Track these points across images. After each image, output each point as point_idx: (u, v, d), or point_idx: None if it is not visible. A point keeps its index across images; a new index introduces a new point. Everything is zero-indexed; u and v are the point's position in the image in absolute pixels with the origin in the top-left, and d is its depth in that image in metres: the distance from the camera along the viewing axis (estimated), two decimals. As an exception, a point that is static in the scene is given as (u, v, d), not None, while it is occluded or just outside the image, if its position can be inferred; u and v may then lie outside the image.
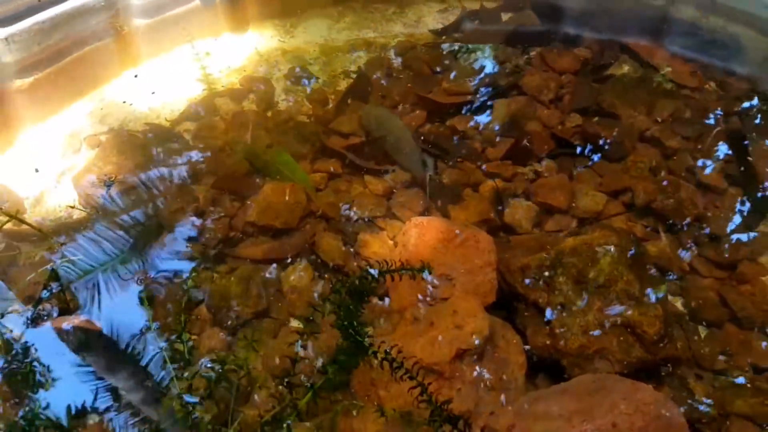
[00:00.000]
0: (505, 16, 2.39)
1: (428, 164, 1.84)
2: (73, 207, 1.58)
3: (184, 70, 2.01)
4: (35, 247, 1.50)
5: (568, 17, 2.41)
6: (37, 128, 1.77)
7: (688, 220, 1.75)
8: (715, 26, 2.30)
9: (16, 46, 1.62)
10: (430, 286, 1.48)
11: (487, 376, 1.34)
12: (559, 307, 1.45)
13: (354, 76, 2.11)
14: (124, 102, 1.89)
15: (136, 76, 1.96)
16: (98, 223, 1.56)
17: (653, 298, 1.46)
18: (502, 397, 1.32)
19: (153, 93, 1.93)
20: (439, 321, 1.38)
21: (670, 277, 1.65)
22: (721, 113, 2.07)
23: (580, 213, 1.77)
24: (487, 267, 1.51)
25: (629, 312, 1.41)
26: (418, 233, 1.56)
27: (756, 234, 1.76)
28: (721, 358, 1.51)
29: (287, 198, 1.69)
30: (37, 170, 1.67)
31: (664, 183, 1.81)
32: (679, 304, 1.61)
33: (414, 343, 1.34)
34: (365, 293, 1.24)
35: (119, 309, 1.41)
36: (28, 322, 1.34)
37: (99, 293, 1.43)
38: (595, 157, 1.91)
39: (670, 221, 1.75)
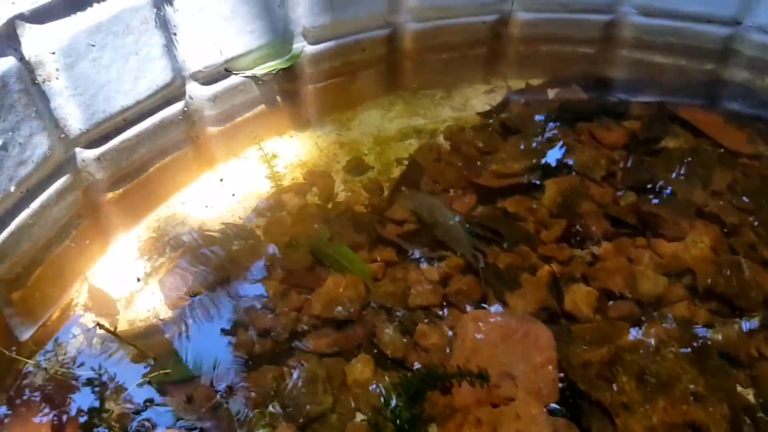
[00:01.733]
0: (551, 93, 2.48)
1: (481, 250, 1.92)
2: (159, 318, 1.76)
3: (253, 169, 2.19)
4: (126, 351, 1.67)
5: (615, 89, 2.49)
6: (127, 234, 1.96)
7: (753, 302, 1.73)
8: (770, 88, 2.32)
9: (106, 164, 1.83)
10: (493, 386, 1.52)
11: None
12: (622, 407, 1.45)
13: (406, 163, 2.23)
14: (202, 204, 2.07)
15: (211, 179, 2.15)
16: (178, 326, 1.73)
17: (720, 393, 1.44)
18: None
19: (227, 193, 2.10)
20: (502, 427, 1.41)
21: (739, 366, 1.61)
22: (782, 181, 2.06)
23: (642, 297, 1.76)
24: (548, 364, 1.53)
25: (695, 412, 1.41)
26: (475, 328, 1.62)
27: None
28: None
29: (348, 290, 1.80)
30: (138, 279, 1.85)
31: (726, 263, 1.81)
32: (750, 395, 1.55)
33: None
34: (424, 394, 1.30)
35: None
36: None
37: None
38: (653, 237, 1.92)
39: (735, 305, 1.73)
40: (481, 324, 1.62)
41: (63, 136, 1.69)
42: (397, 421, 1.25)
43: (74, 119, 1.69)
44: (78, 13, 1.60)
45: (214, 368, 1.64)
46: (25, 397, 1.60)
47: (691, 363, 1.48)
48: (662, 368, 1.46)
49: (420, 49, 2.39)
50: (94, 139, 1.78)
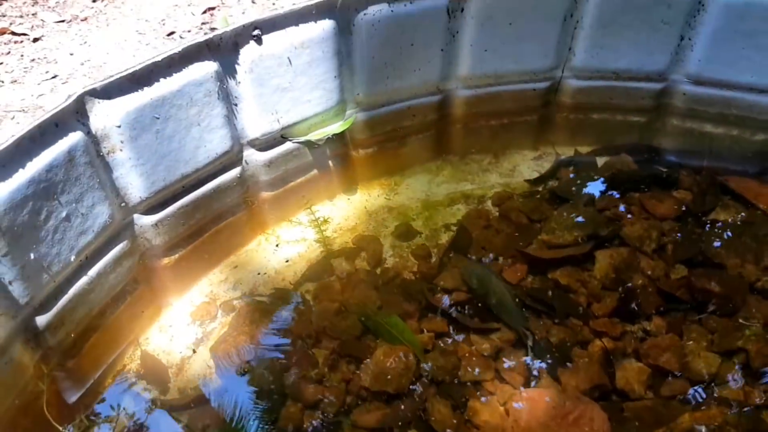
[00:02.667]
0: (600, 161, 2.47)
1: (532, 323, 1.89)
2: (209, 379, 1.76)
3: (304, 233, 2.21)
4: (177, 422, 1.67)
5: (665, 158, 2.47)
6: (180, 299, 1.98)
7: (811, 384, 1.70)
8: (822, 159, 2.28)
9: (164, 229, 1.86)
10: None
11: None
12: (681, 495, 1.42)
13: (454, 229, 2.23)
14: (253, 267, 2.09)
15: (263, 243, 2.17)
16: (227, 396, 1.73)
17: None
18: None
19: (278, 257, 2.12)
20: None
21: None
22: (837, 256, 2.01)
23: (694, 376, 1.72)
24: (602, 446, 1.52)
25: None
26: (529, 408, 1.60)
27: None
28: None
29: (398, 362, 1.79)
30: (194, 351, 1.86)
31: (781, 342, 1.77)
32: (810, 480, 1.53)
33: None
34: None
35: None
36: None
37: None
38: (705, 313, 1.88)
39: (790, 386, 1.70)
40: (534, 403, 1.59)
41: (123, 204, 1.73)
42: None
43: (135, 188, 1.73)
44: (145, 87, 1.64)
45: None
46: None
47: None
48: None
49: (469, 115, 2.41)
50: (152, 206, 1.81)
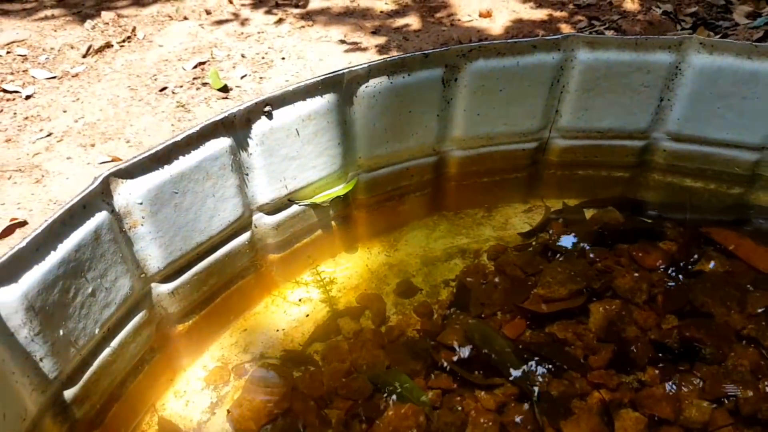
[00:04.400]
0: (588, 213, 2.61)
1: (532, 376, 1.99)
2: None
3: (310, 293, 2.29)
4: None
5: (649, 211, 2.61)
6: (193, 365, 2.04)
7: (798, 429, 1.81)
8: (797, 210, 2.44)
9: (179, 297, 1.93)
10: None
11: None
12: None
13: (453, 284, 2.33)
14: (263, 329, 2.16)
15: (272, 305, 2.24)
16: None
17: None
18: None
19: (286, 319, 2.19)
20: None
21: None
22: (816, 304, 2.15)
23: (688, 424, 1.83)
24: (608, 498, 1.60)
25: None
26: (536, 459, 1.69)
27: None
28: None
29: (408, 421, 1.86)
30: (210, 415, 1.90)
31: (766, 388, 1.89)
32: None
33: None
34: None
35: None
36: None
37: None
38: (695, 361, 2.00)
39: (780, 431, 1.81)
40: (543, 460, 1.67)
41: (143, 275, 1.80)
42: None
43: (153, 259, 1.80)
44: (165, 165, 1.73)
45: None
46: None
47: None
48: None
49: (463, 174, 2.54)
50: (169, 275, 1.89)
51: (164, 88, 3.24)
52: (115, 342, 1.75)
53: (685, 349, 2.04)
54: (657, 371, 1.98)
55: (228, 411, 1.90)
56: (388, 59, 2.09)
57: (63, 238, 1.52)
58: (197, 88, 3.25)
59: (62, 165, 2.72)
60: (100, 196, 1.62)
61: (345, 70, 2.03)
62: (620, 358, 2.02)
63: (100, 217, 1.61)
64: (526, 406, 1.92)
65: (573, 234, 2.50)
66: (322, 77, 1.98)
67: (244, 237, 2.07)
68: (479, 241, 2.52)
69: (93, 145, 2.85)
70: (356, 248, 2.46)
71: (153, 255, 1.80)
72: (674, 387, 1.94)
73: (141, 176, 1.69)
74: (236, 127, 1.87)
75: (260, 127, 1.93)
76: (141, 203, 1.70)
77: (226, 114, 1.82)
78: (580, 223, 2.55)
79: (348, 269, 2.39)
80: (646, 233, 2.47)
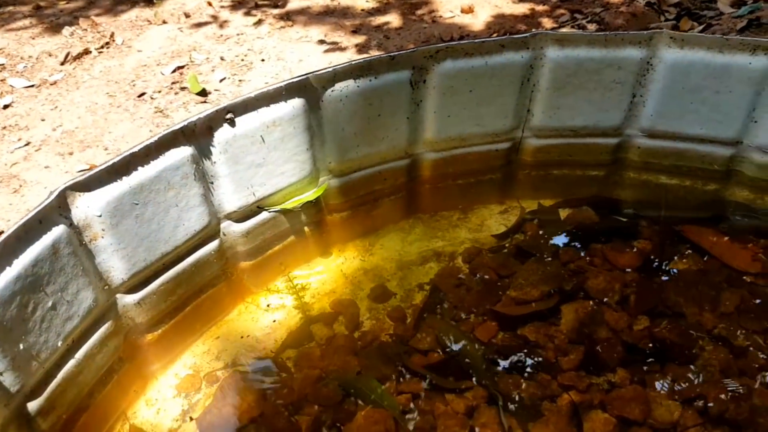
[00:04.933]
0: (563, 213, 2.60)
1: (503, 379, 1.98)
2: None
3: (283, 299, 2.29)
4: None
5: (624, 209, 2.60)
6: (165, 373, 2.04)
7: (764, 428, 1.80)
8: (772, 206, 2.43)
9: (146, 307, 1.93)
10: None
11: None
12: None
13: (427, 288, 2.32)
14: (235, 337, 2.16)
15: (244, 313, 2.24)
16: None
17: None
18: None
19: (258, 325, 2.19)
20: None
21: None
22: (788, 300, 2.14)
23: (657, 424, 1.82)
24: (572, 501, 1.60)
25: None
26: (502, 463, 1.69)
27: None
28: None
29: (378, 425, 1.87)
30: (181, 423, 1.91)
31: (736, 388, 1.88)
32: None
33: None
34: None
35: None
36: None
37: None
38: (666, 362, 1.99)
39: (745, 430, 1.80)
40: (508, 464, 1.68)
41: (106, 287, 1.80)
42: None
43: (117, 271, 1.81)
44: (123, 177, 1.73)
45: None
46: None
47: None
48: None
49: (437, 176, 2.53)
50: (134, 285, 1.89)
51: (143, 94, 3.25)
52: (80, 354, 1.76)
53: (656, 350, 2.03)
54: (627, 372, 1.98)
55: (191, 418, 1.90)
56: (353, 62, 2.08)
57: (19, 254, 1.52)
58: (176, 93, 3.25)
59: (40, 174, 2.72)
60: (56, 210, 1.62)
61: (309, 75, 2.02)
62: (591, 360, 2.02)
63: (58, 231, 1.61)
64: (495, 409, 1.92)
65: (547, 235, 2.49)
66: (285, 82, 1.98)
67: (213, 245, 2.07)
68: (454, 244, 2.52)
69: (71, 154, 2.85)
70: (330, 253, 2.46)
71: (116, 267, 1.80)
72: (644, 387, 1.93)
73: (99, 189, 1.69)
74: (197, 135, 1.87)
75: (223, 134, 1.92)
76: (100, 216, 1.70)
77: (186, 122, 1.82)
78: (555, 224, 2.54)
79: (322, 275, 2.39)
80: (620, 232, 2.46)
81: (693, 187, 2.51)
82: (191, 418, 1.91)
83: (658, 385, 1.93)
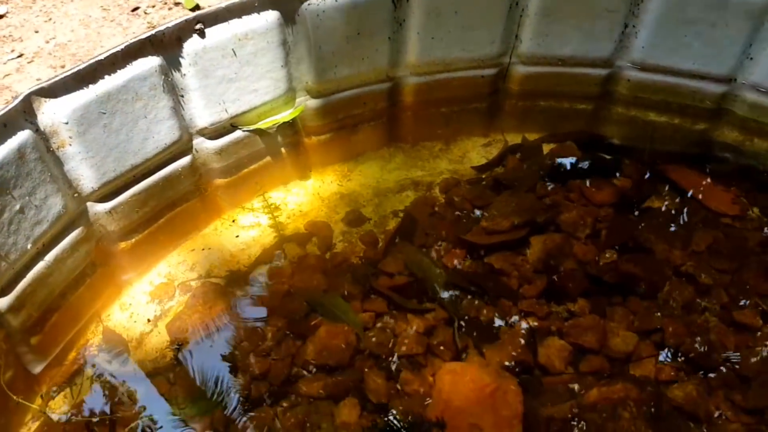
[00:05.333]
0: (546, 148, 2.56)
1: (466, 304, 2.02)
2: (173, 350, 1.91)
3: (258, 218, 2.33)
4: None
5: (609, 147, 2.56)
6: (140, 280, 2.12)
7: (717, 361, 1.82)
8: (760, 149, 2.37)
9: (118, 216, 1.98)
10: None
11: None
12: (578, 462, 1.57)
13: (401, 214, 2.34)
14: (210, 251, 2.22)
15: (219, 229, 2.29)
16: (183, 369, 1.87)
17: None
18: None
19: (233, 242, 2.24)
20: None
21: (698, 422, 1.72)
22: (760, 243, 2.12)
23: (612, 353, 1.86)
24: (514, 419, 1.65)
25: (644, 470, 1.52)
26: (451, 380, 1.74)
27: (791, 377, 1.80)
28: None
29: (339, 339, 1.93)
30: (149, 320, 2.00)
31: (695, 323, 1.90)
32: (706, 450, 1.67)
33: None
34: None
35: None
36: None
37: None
38: (629, 295, 2.01)
39: (700, 364, 1.82)
40: (456, 376, 1.73)
41: (76, 194, 1.85)
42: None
43: (86, 179, 1.84)
44: (90, 85, 1.74)
45: (212, 410, 1.79)
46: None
47: (646, 422, 1.58)
48: (618, 427, 1.56)
49: (420, 103, 2.49)
50: (105, 195, 1.93)
51: (136, 8, 3.20)
52: (50, 257, 1.81)
53: (620, 283, 2.04)
54: (588, 303, 2.00)
55: (168, 324, 1.98)
56: (332, -24, 2.03)
57: (-18, 156, 1.55)
58: (169, 8, 3.20)
59: (32, 86, 2.74)
60: (21, 115, 1.64)
61: (284, -12, 1.98)
62: (553, 289, 2.04)
63: (23, 135, 1.64)
64: (453, 329, 1.97)
65: (527, 169, 2.47)
66: (259, -5, 1.94)
67: (185, 161, 2.09)
68: (433, 174, 2.51)
69: (63, 66, 2.86)
70: (308, 177, 2.48)
71: (85, 175, 1.83)
72: (603, 318, 1.96)
73: (65, 95, 1.71)
74: (166, 45, 1.86)
75: (192, 46, 1.91)
76: (67, 123, 1.72)
77: (153, 32, 1.81)
78: (536, 158, 2.52)
79: (298, 197, 2.41)
80: (601, 169, 2.44)
81: (681, 126, 2.45)
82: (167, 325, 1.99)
83: (618, 316, 1.95)
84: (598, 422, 1.59)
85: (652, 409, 1.64)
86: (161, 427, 1.74)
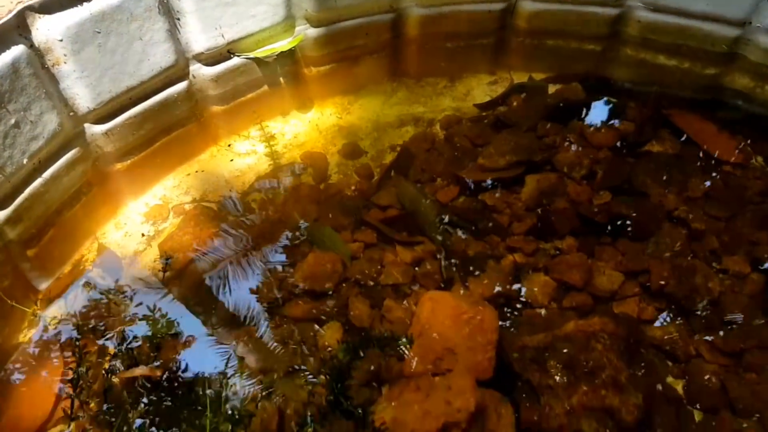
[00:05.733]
0: (552, 89, 2.52)
1: (455, 238, 2.03)
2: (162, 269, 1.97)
3: (255, 147, 2.34)
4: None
5: (616, 90, 2.50)
6: (135, 200, 2.16)
7: (700, 304, 1.82)
8: (772, 96, 2.30)
9: (114, 138, 2.01)
10: (437, 358, 1.69)
11: (471, 447, 1.53)
12: (547, 388, 1.60)
13: (399, 149, 2.34)
14: (205, 176, 2.25)
15: (215, 155, 2.32)
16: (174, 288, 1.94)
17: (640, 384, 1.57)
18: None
19: (229, 168, 2.27)
20: (434, 394, 1.59)
21: (675, 361, 1.74)
22: (760, 192, 2.08)
23: (596, 291, 1.88)
24: (488, 345, 1.68)
25: (611, 398, 1.54)
26: (431, 307, 1.77)
27: (773, 322, 1.79)
28: (709, 446, 1.59)
29: (327, 266, 1.97)
30: (142, 235, 2.06)
31: (682, 266, 1.89)
32: (679, 387, 1.68)
33: (409, 411, 1.56)
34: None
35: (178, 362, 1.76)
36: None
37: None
38: (619, 236, 2.00)
39: (683, 306, 1.82)
40: (435, 303, 1.76)
41: (72, 113, 1.88)
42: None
43: (82, 99, 1.87)
44: (84, 3, 1.75)
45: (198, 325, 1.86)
46: (39, 344, 1.84)
47: (619, 355, 1.60)
48: (589, 357, 1.59)
49: (425, 36, 2.45)
50: (102, 116, 1.96)
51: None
52: (47, 173, 1.86)
53: (611, 223, 2.03)
54: (576, 242, 2.00)
55: (161, 243, 2.03)
56: None
57: (-24, 68, 1.58)
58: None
59: (26, 2, 2.75)
60: (15, 30, 1.66)
61: None
62: (543, 227, 2.04)
63: (17, 50, 1.66)
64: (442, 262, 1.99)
65: (530, 108, 2.43)
66: None
67: (181, 86, 2.10)
68: (435, 111, 2.49)
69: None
70: (308, 108, 2.47)
71: (81, 95, 1.86)
72: (591, 257, 1.96)
73: (59, 12, 1.72)
74: (161, -34, 1.85)
75: (188, -32, 1.90)
76: (61, 40, 1.74)
77: (148, -48, 1.80)
78: (541, 98, 2.47)
79: (296, 128, 2.42)
80: (605, 112, 2.39)
81: (691, 70, 2.38)
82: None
83: (606, 256, 1.95)
84: (571, 352, 1.61)
85: (629, 343, 1.66)
86: (150, 335, 1.80)
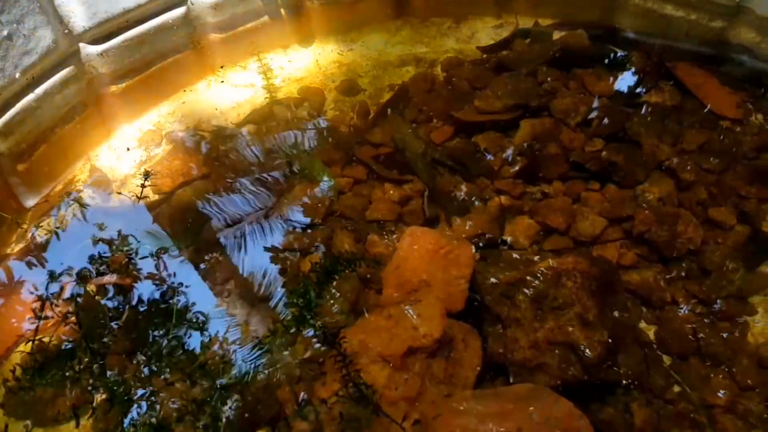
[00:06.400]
0: (557, 35, 2.47)
1: (445, 179, 2.04)
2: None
3: (253, 79, 2.34)
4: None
5: (620, 40, 2.45)
6: (129, 124, 2.19)
7: (681, 252, 1.82)
8: (775, 52, 2.24)
9: (110, 59, 2.03)
10: (413, 290, 1.72)
11: (436, 372, 1.56)
12: (515, 321, 1.62)
13: (397, 89, 2.33)
14: (200, 105, 2.26)
15: (211, 83, 2.32)
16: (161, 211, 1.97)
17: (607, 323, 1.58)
18: (446, 390, 1.54)
19: (225, 98, 2.27)
20: (403, 320, 1.63)
21: (649, 306, 1.75)
22: (755, 148, 2.05)
23: (578, 235, 1.89)
24: (461, 279, 1.71)
25: (576, 334, 1.55)
26: (410, 241, 1.79)
27: (753, 274, 1.79)
28: (676, 389, 1.60)
29: (313, 198, 1.99)
30: (128, 149, 2.10)
31: (665, 214, 1.88)
32: (651, 333, 1.70)
33: (377, 336, 1.61)
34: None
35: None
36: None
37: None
38: (607, 183, 2.00)
39: (663, 254, 1.82)
40: (415, 238, 1.78)
41: (67, 31, 1.89)
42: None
43: (78, 17, 1.88)
44: None
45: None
46: (27, 256, 1.89)
47: (590, 294, 1.60)
48: (559, 294, 1.60)
49: (430, -26, 2.41)
50: (97, 37, 1.97)
51: None
52: (39, 90, 1.88)
53: (600, 171, 2.02)
54: (563, 186, 2.00)
55: (150, 167, 2.05)
56: None
57: (-32, -28, 1.59)
58: None
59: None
60: (9, -63, 1.66)
61: None
62: (532, 171, 2.03)
63: (10, -42, 1.67)
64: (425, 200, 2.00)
65: (533, 53, 2.39)
66: None
67: (179, 12, 2.10)
68: (438, 52, 2.47)
69: None
70: (309, 43, 2.46)
71: (76, 12, 1.86)
72: (576, 202, 1.96)
73: (54, -77, 1.71)
74: None
75: None
76: (57, -48, 1.74)
77: None
78: (544, 43, 2.43)
79: (296, 62, 2.41)
80: (608, 61, 2.35)
81: (698, 22, 2.31)
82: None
83: (592, 201, 1.95)
84: (540, 288, 1.62)
85: (602, 284, 1.66)
86: (125, 249, 1.85)
